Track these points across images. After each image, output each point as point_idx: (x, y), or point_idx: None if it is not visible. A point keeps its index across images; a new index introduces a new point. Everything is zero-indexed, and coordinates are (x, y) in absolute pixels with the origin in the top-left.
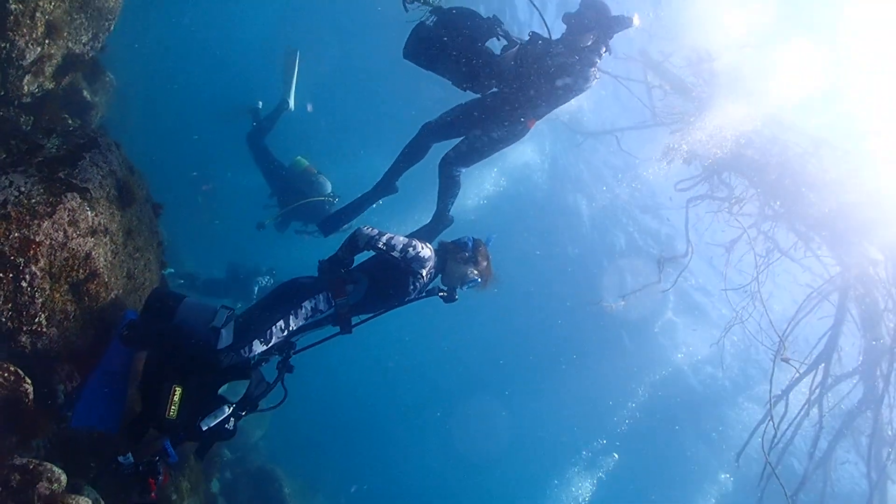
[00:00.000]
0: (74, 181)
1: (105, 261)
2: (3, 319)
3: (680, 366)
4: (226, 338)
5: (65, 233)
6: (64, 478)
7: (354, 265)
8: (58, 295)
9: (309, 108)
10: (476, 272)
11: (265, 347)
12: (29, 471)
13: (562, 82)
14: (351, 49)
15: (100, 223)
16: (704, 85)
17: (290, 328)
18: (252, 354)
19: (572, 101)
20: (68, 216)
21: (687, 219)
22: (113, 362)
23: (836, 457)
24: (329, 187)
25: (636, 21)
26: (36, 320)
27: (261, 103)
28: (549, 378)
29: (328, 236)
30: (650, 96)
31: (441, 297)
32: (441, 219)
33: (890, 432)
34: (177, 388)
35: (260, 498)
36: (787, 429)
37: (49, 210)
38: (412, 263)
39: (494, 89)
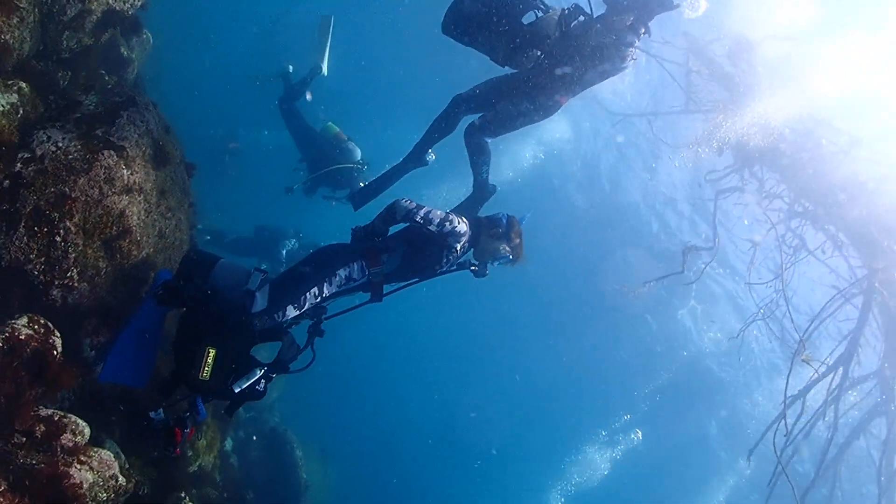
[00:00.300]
0: (112, 139)
1: (138, 219)
2: (36, 272)
3: (701, 353)
4: (260, 301)
5: (100, 190)
6: (87, 430)
7: (389, 235)
8: (90, 251)
9: (308, 96)
10: (508, 249)
11: (298, 313)
12: (54, 422)
13: (600, 66)
14: (383, 17)
15: (135, 182)
16: (743, 74)
17: (324, 295)
18: (285, 319)
19: (608, 81)
20: (104, 173)
21: (715, 210)
22: (145, 320)
23: (846, 460)
24: (359, 154)
25: (693, 7)
26: (68, 275)
27: (291, 67)
28: (568, 351)
29: (358, 209)
30: (688, 81)
31: (472, 271)
32: (482, 189)
33: None
34: (211, 350)
35: (272, 459)
36: (800, 430)
37: (86, 167)
38: (448, 238)
39: (531, 65)
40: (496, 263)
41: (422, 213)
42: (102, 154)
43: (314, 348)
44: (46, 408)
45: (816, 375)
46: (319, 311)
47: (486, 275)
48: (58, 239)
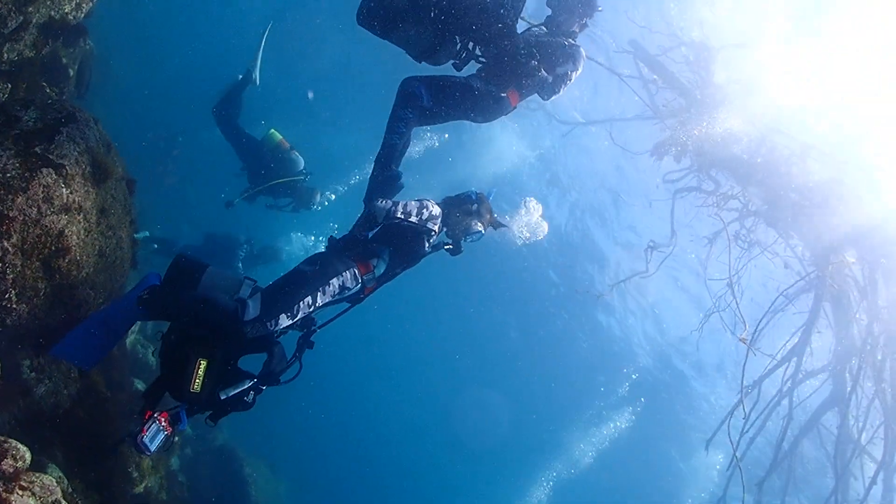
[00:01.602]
0: (50, 156)
1: (78, 239)
2: None
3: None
4: (252, 309)
5: (38, 209)
6: (28, 455)
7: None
8: (29, 271)
9: (310, 95)
10: (480, 225)
11: (290, 322)
12: None
13: (562, 70)
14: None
15: (74, 200)
16: (700, 82)
17: (317, 304)
18: (277, 328)
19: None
20: (43, 192)
21: (673, 210)
22: (116, 315)
23: (801, 451)
24: (302, 164)
25: None
26: (6, 297)
27: (240, 76)
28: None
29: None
30: (645, 90)
31: (447, 250)
32: (384, 169)
33: (855, 432)
34: (202, 362)
35: (221, 477)
36: (756, 419)
37: (23, 185)
38: (427, 223)
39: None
40: (469, 240)
41: (399, 209)
42: (41, 172)
43: (301, 361)
44: None
45: (771, 366)
46: (309, 321)
47: (461, 252)
48: None
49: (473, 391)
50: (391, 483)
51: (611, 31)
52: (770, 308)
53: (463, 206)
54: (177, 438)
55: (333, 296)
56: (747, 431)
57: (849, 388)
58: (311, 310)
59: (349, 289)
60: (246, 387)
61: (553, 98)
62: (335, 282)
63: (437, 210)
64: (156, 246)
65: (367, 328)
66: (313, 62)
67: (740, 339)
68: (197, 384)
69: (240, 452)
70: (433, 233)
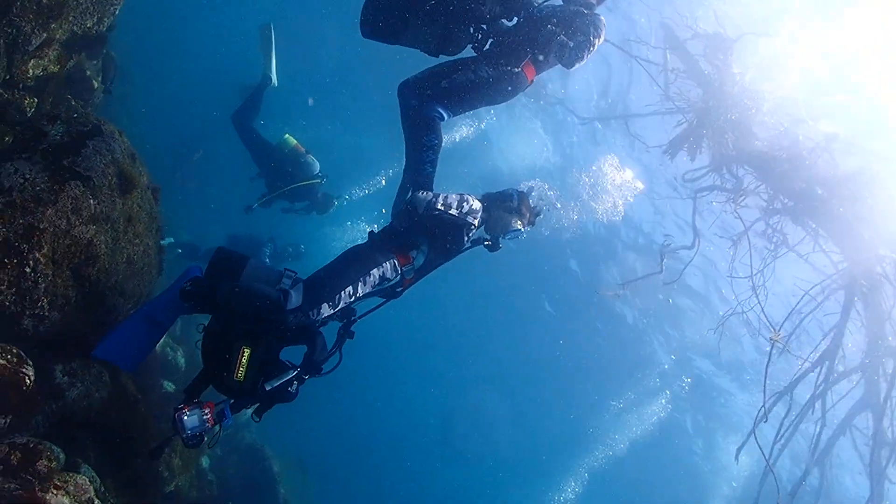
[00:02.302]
0: (78, 169)
1: (106, 248)
2: (7, 303)
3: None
4: (295, 299)
5: (68, 220)
6: (62, 456)
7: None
8: (60, 280)
9: (310, 102)
10: (519, 223)
11: (332, 312)
12: (29, 449)
13: (583, 36)
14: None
15: (101, 211)
16: (719, 73)
17: (358, 294)
18: (319, 317)
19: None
20: (71, 204)
21: (694, 209)
22: (159, 310)
23: (834, 455)
24: (317, 167)
25: None
26: (39, 305)
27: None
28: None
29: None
30: (665, 79)
31: (486, 246)
32: (417, 185)
33: (890, 434)
34: (245, 350)
35: (250, 476)
36: (789, 426)
37: (53, 198)
38: (467, 217)
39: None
40: (508, 237)
41: (440, 200)
42: (69, 185)
43: (342, 351)
44: (21, 436)
45: (802, 370)
46: (349, 312)
47: (499, 248)
48: (27, 270)
49: (503, 390)
50: (422, 481)
51: (630, 18)
52: (796, 306)
53: (504, 204)
54: (220, 431)
55: (374, 286)
56: (780, 440)
57: (883, 393)
58: (352, 300)
59: (389, 279)
60: (289, 377)
61: (577, 66)
62: (375, 272)
63: (477, 204)
64: (180, 251)
65: (400, 326)
66: (319, 62)
67: (771, 339)
68: (241, 373)
69: (268, 451)
70: (473, 227)
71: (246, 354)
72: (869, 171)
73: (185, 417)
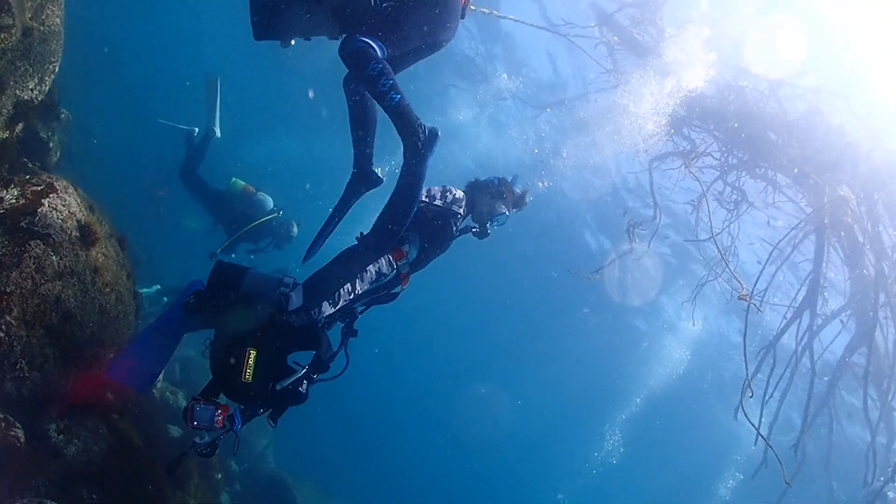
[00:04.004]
0: (36, 228)
1: (76, 301)
2: None
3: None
4: (296, 300)
5: (33, 280)
6: None
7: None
8: (35, 340)
9: (311, 94)
10: (504, 207)
11: (333, 310)
12: None
13: None
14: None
15: (66, 266)
16: (653, 38)
17: (357, 291)
18: (321, 316)
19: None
20: (34, 264)
21: (651, 180)
22: (166, 328)
23: (837, 399)
24: (270, 203)
25: None
26: (18, 367)
27: (196, 129)
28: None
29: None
30: (610, 57)
31: (474, 233)
32: (361, 176)
33: (888, 362)
34: (251, 351)
35: None
36: (777, 382)
37: (15, 260)
38: (452, 206)
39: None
40: (494, 223)
41: (424, 192)
42: (29, 245)
43: (348, 352)
44: (21, 498)
45: (784, 324)
46: (350, 311)
47: (488, 235)
48: (1, 334)
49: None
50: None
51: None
52: (767, 260)
53: (487, 190)
54: (237, 442)
55: (371, 282)
56: (772, 396)
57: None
58: (351, 297)
59: (385, 275)
60: (299, 375)
61: None
62: (371, 268)
63: (460, 193)
64: (165, 299)
65: (412, 345)
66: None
67: (740, 297)
68: (248, 374)
69: (289, 479)
70: (459, 216)
71: (252, 356)
72: (817, 110)
73: (198, 408)
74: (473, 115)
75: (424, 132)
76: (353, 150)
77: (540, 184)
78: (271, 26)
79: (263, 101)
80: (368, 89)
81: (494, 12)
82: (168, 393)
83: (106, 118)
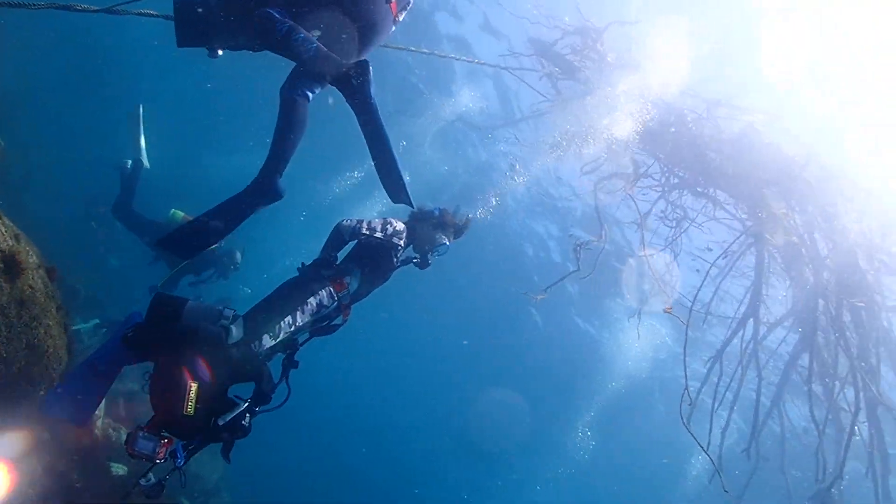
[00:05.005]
0: None
1: (1, 337)
2: None
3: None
4: (236, 333)
5: None
6: None
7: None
8: None
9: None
10: (445, 237)
11: (273, 343)
12: None
13: None
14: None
15: None
16: (594, 67)
17: (297, 324)
18: (261, 349)
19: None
20: None
21: (597, 202)
22: (103, 360)
23: (785, 401)
24: None
25: None
26: None
27: (129, 162)
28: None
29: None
30: (553, 88)
31: (415, 263)
32: (268, 186)
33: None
34: (192, 385)
35: None
36: (725, 391)
37: None
38: (393, 238)
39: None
40: (436, 254)
41: (364, 225)
42: None
43: (289, 382)
44: None
45: (729, 334)
46: (291, 343)
47: (429, 265)
48: None
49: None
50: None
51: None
52: (707, 273)
53: (428, 220)
54: (184, 478)
55: (312, 314)
56: (721, 404)
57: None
58: (292, 329)
59: (326, 307)
60: (241, 409)
61: None
62: (312, 301)
63: (401, 226)
64: (105, 331)
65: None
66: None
67: (665, 310)
68: (190, 407)
69: None
70: (399, 247)
71: (193, 388)
72: (753, 129)
73: (141, 436)
74: (420, 141)
75: (354, 66)
76: (267, 157)
77: (479, 213)
78: (194, 34)
79: (225, 117)
80: (283, 48)
81: (436, 52)
82: (111, 430)
83: (48, 146)
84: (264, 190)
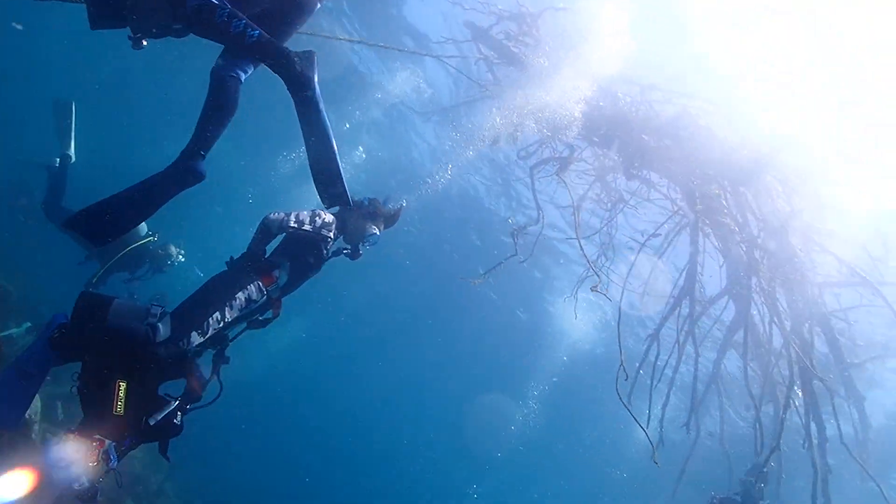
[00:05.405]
0: None
1: None
2: None
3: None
4: (163, 331)
5: None
6: None
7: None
8: None
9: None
10: (375, 227)
11: (202, 339)
12: None
13: None
14: None
15: None
16: (530, 53)
17: (226, 319)
18: (190, 346)
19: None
20: None
21: (533, 185)
22: (30, 362)
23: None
24: (144, 228)
25: None
26: None
27: (57, 160)
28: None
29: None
30: (490, 72)
31: (346, 254)
32: (185, 165)
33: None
34: (121, 383)
35: None
36: (664, 366)
37: None
38: (322, 230)
39: None
40: (367, 244)
41: (292, 218)
42: None
43: (221, 378)
44: None
45: (665, 312)
46: (221, 338)
47: (360, 255)
48: None
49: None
50: None
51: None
52: (637, 254)
53: (358, 211)
54: (101, 479)
55: (241, 309)
56: (658, 383)
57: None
58: (220, 325)
59: (255, 301)
60: (172, 408)
61: None
62: (241, 295)
63: (329, 217)
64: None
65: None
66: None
67: (592, 289)
68: (119, 406)
69: None
70: (329, 239)
71: (122, 388)
72: (686, 113)
73: (72, 441)
74: (357, 126)
75: (298, 55)
76: (192, 137)
77: (403, 202)
78: (108, 14)
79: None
80: (222, 36)
81: (367, 42)
82: (49, 434)
83: None
84: (186, 170)
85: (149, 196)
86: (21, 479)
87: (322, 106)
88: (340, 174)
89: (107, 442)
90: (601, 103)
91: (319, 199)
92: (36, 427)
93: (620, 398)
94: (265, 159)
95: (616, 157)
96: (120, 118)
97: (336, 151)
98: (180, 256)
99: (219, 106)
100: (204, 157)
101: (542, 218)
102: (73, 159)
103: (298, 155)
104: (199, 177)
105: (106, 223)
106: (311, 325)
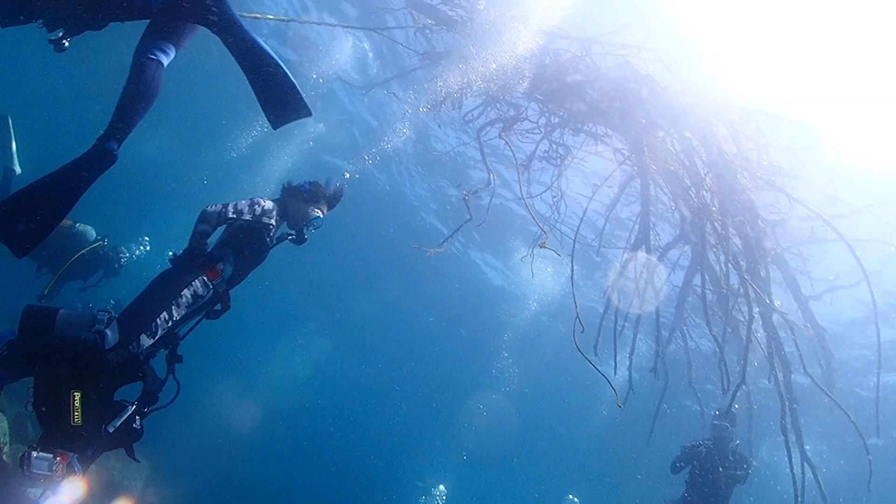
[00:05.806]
0: None
1: None
2: None
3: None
4: (111, 337)
5: None
6: None
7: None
8: None
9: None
10: (318, 210)
11: (152, 341)
12: None
13: None
14: None
15: None
16: (466, 15)
17: (174, 318)
18: (140, 349)
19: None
20: None
21: (482, 147)
22: None
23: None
24: (93, 233)
25: None
26: None
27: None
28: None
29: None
30: (427, 41)
31: (291, 240)
32: (100, 148)
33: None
34: (75, 393)
35: None
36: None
37: None
38: (262, 218)
39: None
40: (311, 227)
41: (230, 209)
42: None
43: (177, 377)
44: None
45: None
46: (172, 337)
47: (305, 240)
48: None
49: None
50: None
51: None
52: (587, 208)
53: (299, 195)
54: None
55: (188, 306)
56: (622, 331)
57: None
58: (169, 325)
59: (202, 296)
60: (129, 412)
61: None
62: (187, 292)
63: (269, 204)
64: None
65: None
66: None
67: (540, 245)
68: (77, 417)
69: None
70: (271, 226)
71: (77, 397)
72: (627, 63)
73: (35, 456)
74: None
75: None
76: (110, 122)
77: (346, 174)
78: (10, 7)
79: None
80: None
81: (294, 19)
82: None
83: None
84: (101, 154)
85: (66, 187)
86: None
87: (244, 27)
88: (292, 84)
89: (70, 455)
90: (546, 60)
91: (272, 123)
92: (6, 449)
93: (578, 348)
94: (216, 144)
95: (561, 114)
96: (70, 127)
97: (277, 60)
98: (137, 253)
99: (138, 92)
100: (120, 143)
101: (494, 179)
102: (19, 172)
103: (250, 134)
104: (112, 160)
105: (27, 228)
106: (334, 344)
